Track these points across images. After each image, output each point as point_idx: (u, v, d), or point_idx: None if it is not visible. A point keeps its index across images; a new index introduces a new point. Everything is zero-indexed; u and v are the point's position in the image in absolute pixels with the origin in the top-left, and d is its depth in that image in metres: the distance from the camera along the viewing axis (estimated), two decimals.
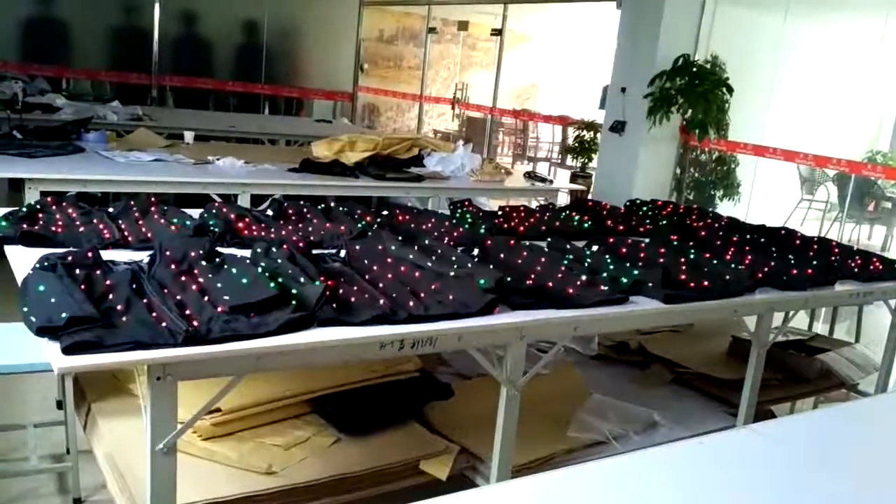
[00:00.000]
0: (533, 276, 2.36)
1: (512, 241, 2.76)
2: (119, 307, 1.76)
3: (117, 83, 8.35)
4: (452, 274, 2.23)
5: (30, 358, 2.22)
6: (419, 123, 12.12)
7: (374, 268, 2.31)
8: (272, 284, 1.89)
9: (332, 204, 3.20)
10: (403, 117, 13.52)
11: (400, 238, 2.55)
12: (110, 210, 2.70)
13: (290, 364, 1.83)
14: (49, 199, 2.68)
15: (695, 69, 6.69)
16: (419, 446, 2.30)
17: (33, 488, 2.44)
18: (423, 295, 2.10)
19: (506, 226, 3.20)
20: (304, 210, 3.04)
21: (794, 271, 2.77)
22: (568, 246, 2.75)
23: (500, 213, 3.52)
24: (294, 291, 1.93)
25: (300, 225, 2.88)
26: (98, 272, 1.95)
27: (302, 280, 2.02)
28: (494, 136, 11.40)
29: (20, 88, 6.40)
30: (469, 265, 2.32)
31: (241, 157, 4.42)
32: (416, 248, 2.48)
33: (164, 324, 1.69)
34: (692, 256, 2.78)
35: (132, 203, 2.75)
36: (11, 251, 2.21)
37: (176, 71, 8.60)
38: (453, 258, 2.40)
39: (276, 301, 1.85)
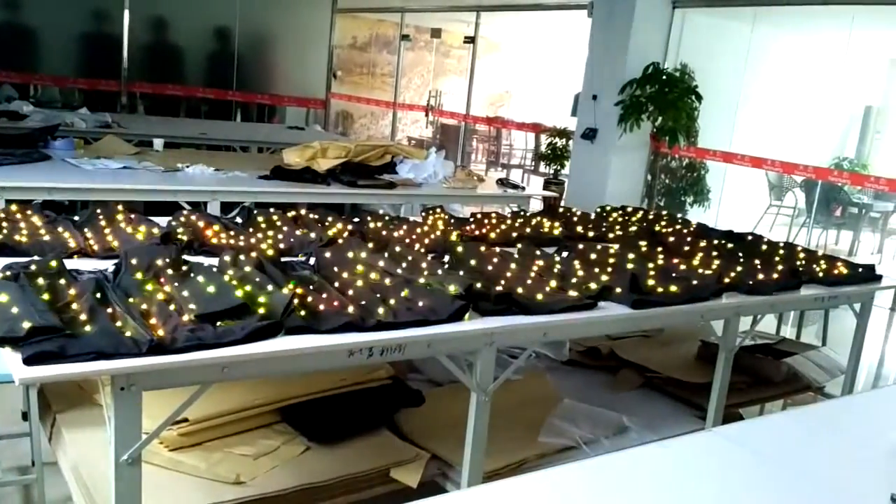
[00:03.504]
0: (502, 282, 2.37)
1: (483, 248, 2.78)
2: (82, 317, 1.73)
3: (86, 90, 8.25)
4: (423, 281, 2.24)
5: None
6: (393, 130, 12.13)
7: (344, 275, 2.31)
8: (239, 293, 1.88)
9: (303, 211, 3.19)
10: (377, 124, 13.52)
11: (370, 245, 2.54)
12: (76, 219, 2.67)
13: (256, 373, 1.82)
14: (13, 207, 2.63)
15: (665, 77, 6.78)
16: (390, 454, 2.29)
17: None
18: (392, 302, 2.10)
19: (477, 232, 3.21)
20: (274, 217, 3.03)
21: (761, 276, 2.81)
22: (538, 252, 2.77)
23: (471, 219, 3.54)
24: (262, 300, 1.92)
25: (269, 232, 2.86)
26: (62, 281, 1.93)
27: (270, 288, 2.01)
28: (468, 142, 11.45)
29: None
30: (439, 272, 2.32)
31: (212, 164, 4.39)
32: (386, 255, 2.48)
33: (127, 333, 1.67)
34: (660, 262, 2.81)
35: (98, 211, 2.72)
36: None
37: (146, 77, 8.52)
38: (423, 265, 2.41)
39: (243, 310, 1.84)
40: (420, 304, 2.08)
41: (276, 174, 4.42)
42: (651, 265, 2.72)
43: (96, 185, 3.58)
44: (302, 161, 4.86)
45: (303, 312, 1.92)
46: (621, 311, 2.31)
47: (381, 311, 2.02)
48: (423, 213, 3.57)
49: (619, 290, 2.39)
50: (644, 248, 2.97)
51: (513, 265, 2.56)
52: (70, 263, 2.09)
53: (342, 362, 1.90)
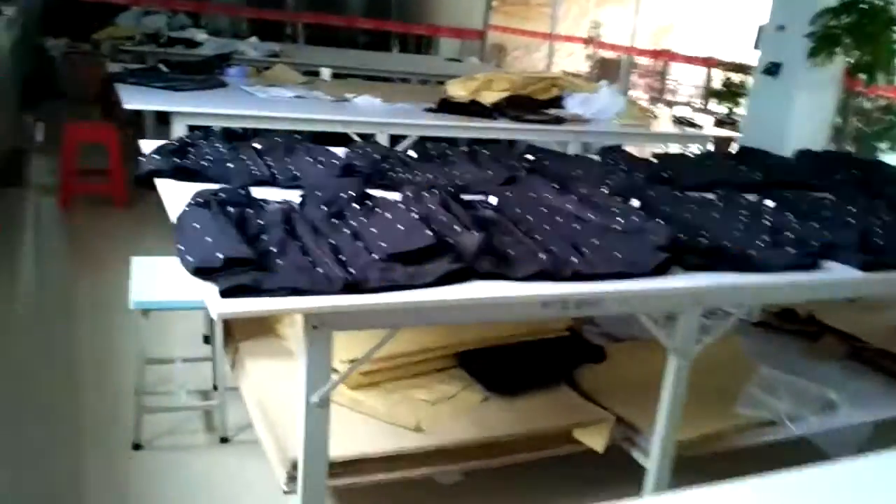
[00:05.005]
0: (704, 233, 2.11)
1: (676, 192, 2.52)
2: (273, 249, 1.67)
3: (253, 19, 8.44)
4: (619, 228, 2.03)
5: (182, 294, 2.21)
6: (549, 63, 11.67)
7: (529, 217, 2.14)
8: (428, 231, 1.75)
9: (475, 147, 3.03)
10: (531, 57, 13.07)
11: (554, 185, 2.35)
12: (257, 146, 2.64)
13: (448, 319, 1.71)
14: (198, 132, 2.65)
15: (864, 6, 5.99)
16: (572, 412, 2.14)
17: (180, 424, 2.48)
18: (585, 250, 1.91)
19: (664, 175, 2.92)
20: (448, 153, 2.89)
21: None
22: (742, 200, 2.47)
23: (656, 160, 3.25)
24: (450, 240, 1.79)
25: (445, 168, 2.73)
26: (251, 210, 1.88)
27: (457, 228, 1.87)
28: (628, 77, 10.83)
29: (164, 23, 6.56)
30: (634, 218, 2.10)
31: (377, 95, 4.31)
32: (573, 197, 2.28)
33: (319, 269, 1.59)
34: (887, 218, 2.43)
35: (278, 139, 2.69)
36: (164, 185, 2.18)
37: (309, 7, 8.59)
38: (616, 210, 2.19)
39: (433, 250, 1.71)
40: (617, 253, 1.88)
41: (443, 107, 4.29)
42: (878, 220, 2.35)
43: (272, 113, 3.59)
44: (467, 94, 4.69)
45: (492, 256, 1.77)
46: (849, 274, 2.00)
47: (574, 259, 1.84)
48: (601, 152, 3.32)
49: (845, 247, 2.07)
50: (865, 201, 2.59)
51: (714, 214, 2.29)
52: (255, 192, 2.05)
53: (535, 313, 1.76)
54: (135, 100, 3.45)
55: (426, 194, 2.13)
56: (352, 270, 1.61)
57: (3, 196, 4.57)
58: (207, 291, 1.47)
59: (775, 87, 6.41)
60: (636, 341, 2.46)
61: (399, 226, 1.79)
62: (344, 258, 1.68)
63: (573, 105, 4.81)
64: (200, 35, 6.39)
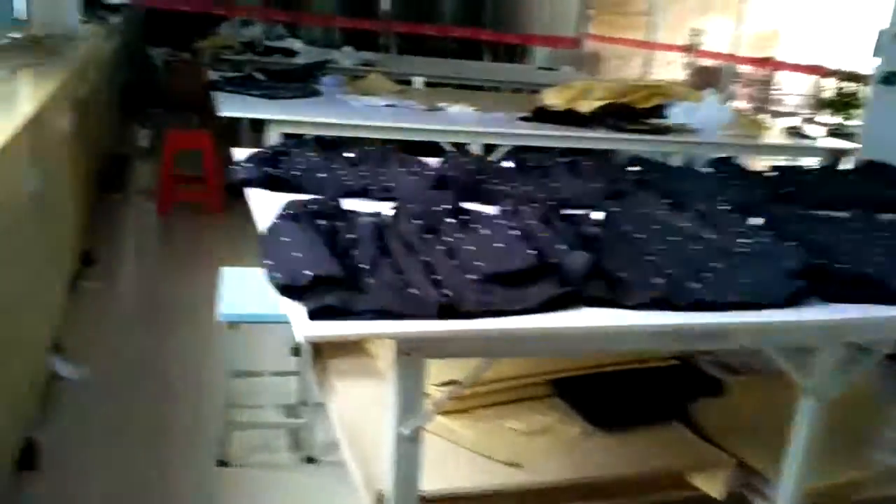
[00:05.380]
0: (842, 257, 1.87)
1: (801, 211, 2.28)
2: (364, 266, 1.56)
3: (346, 29, 8.52)
4: (744, 250, 1.82)
5: (270, 308, 2.14)
6: (645, 72, 11.31)
7: (640, 236, 1.95)
8: (530, 251, 1.60)
9: (576, 157, 2.86)
10: (627, 66, 12.72)
11: (667, 200, 2.15)
12: (350, 155, 2.56)
13: (551, 350, 1.56)
14: (290, 140, 2.59)
15: None
16: (686, 453, 1.94)
17: (267, 441, 2.42)
18: (706, 275, 1.71)
19: (786, 190, 2.67)
20: (547, 163, 2.73)
21: None
22: (880, 220, 2.20)
23: (774, 173, 2.98)
24: (554, 261, 1.63)
25: (543, 180, 2.57)
26: (342, 223, 1.78)
27: (561, 247, 1.71)
28: (728, 87, 10.35)
29: (261, 33, 6.67)
30: (764, 240, 1.89)
31: (470, 104, 4.20)
32: (687, 213, 2.08)
33: (412, 290, 1.46)
34: None
35: (371, 149, 2.60)
36: (254, 195, 2.12)
37: (402, 17, 8.61)
38: (739, 229, 1.98)
39: (536, 272, 1.56)
40: (744, 279, 1.68)
41: (538, 116, 4.13)
42: None
43: (366, 121, 3.53)
44: (563, 102, 4.51)
45: (601, 280, 1.60)
46: None
47: (694, 285, 1.65)
48: (711, 164, 3.08)
49: None
50: None
51: (850, 235, 2.04)
52: (346, 204, 1.95)
53: (648, 344, 1.57)
54: (230, 108, 3.45)
55: (526, 208, 1.98)
56: (446, 292, 1.48)
57: (105, 201, 4.71)
58: (294, 311, 1.37)
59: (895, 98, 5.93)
60: (758, 374, 2.23)
61: (498, 244, 1.65)
62: (438, 278, 1.55)
63: (677, 115, 4.55)
64: (296, 44, 6.46)
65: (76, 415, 2.48)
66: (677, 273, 1.70)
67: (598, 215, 2.13)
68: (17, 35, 4.35)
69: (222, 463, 2.28)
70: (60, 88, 2.99)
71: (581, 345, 1.55)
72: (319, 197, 1.90)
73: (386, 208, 1.97)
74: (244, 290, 2.27)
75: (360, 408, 2.00)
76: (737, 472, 1.89)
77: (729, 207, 2.24)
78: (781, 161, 4.66)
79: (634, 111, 4.53)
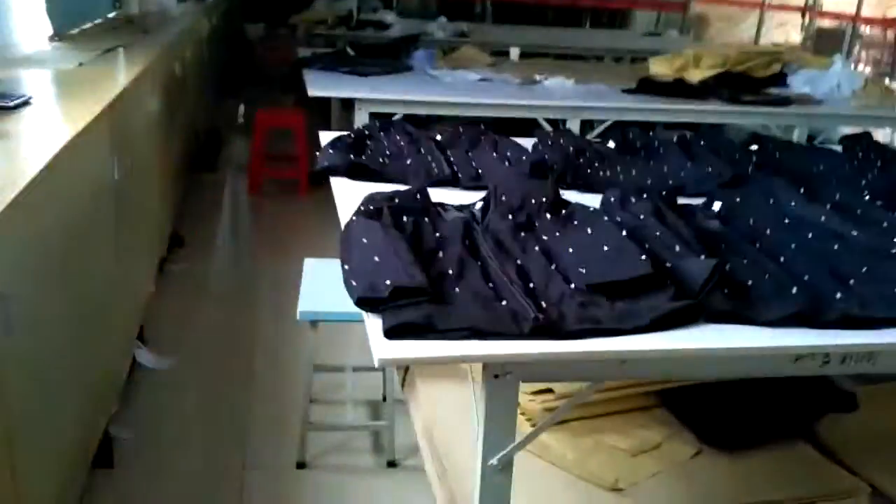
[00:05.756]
0: None
1: None
2: (450, 271, 1.39)
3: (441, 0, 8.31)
4: (894, 252, 1.54)
5: (351, 305, 2.01)
6: (757, 35, 10.55)
7: (768, 232, 1.70)
8: (643, 257, 1.38)
9: (687, 134, 2.57)
10: (736, 28, 11.92)
11: (801, 190, 1.87)
12: (437, 138, 2.38)
13: (662, 372, 1.34)
14: (377, 122, 2.43)
15: None
16: (814, 478, 1.69)
17: (347, 441, 2.31)
18: (853, 282, 1.45)
19: None
20: (655, 143, 2.47)
21: None
22: None
23: None
24: (669, 265, 1.41)
25: (651, 163, 2.32)
26: (427, 220, 1.61)
27: (677, 249, 1.49)
28: (852, 50, 9.52)
29: (355, 5, 6.56)
30: None
31: (568, 75, 3.94)
32: (826, 205, 1.80)
33: (504, 301, 1.28)
34: None
35: (461, 130, 2.41)
36: (338, 184, 1.98)
37: None
38: (888, 224, 1.69)
39: (650, 281, 1.34)
40: None
41: (643, 87, 3.83)
42: None
43: (456, 98, 3.35)
44: (671, 72, 4.19)
45: (726, 289, 1.37)
46: None
47: (839, 294, 1.39)
48: (845, 142, 2.72)
49: None
50: None
51: None
52: (434, 194, 1.77)
53: (783, 369, 1.33)
54: (319, 86, 3.34)
55: (633, 199, 1.75)
56: (543, 303, 1.29)
57: (198, 180, 4.74)
58: (372, 329, 1.21)
59: None
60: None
61: (604, 245, 1.44)
62: (533, 285, 1.36)
63: (799, 83, 4.15)
64: (389, 17, 6.32)
65: (155, 407, 2.44)
66: (819, 281, 1.45)
67: (717, 206, 1.88)
68: (112, 14, 4.38)
69: (301, 465, 2.19)
70: (149, 69, 2.94)
71: (702, 370, 1.33)
72: (403, 189, 1.73)
73: (476, 198, 1.79)
74: (327, 284, 2.15)
75: (443, 415, 1.85)
76: (872, 500, 1.63)
77: (872, 197, 1.94)
78: None
79: (752, 80, 4.16)
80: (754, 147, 2.58)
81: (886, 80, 8.94)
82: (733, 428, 1.83)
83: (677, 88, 3.85)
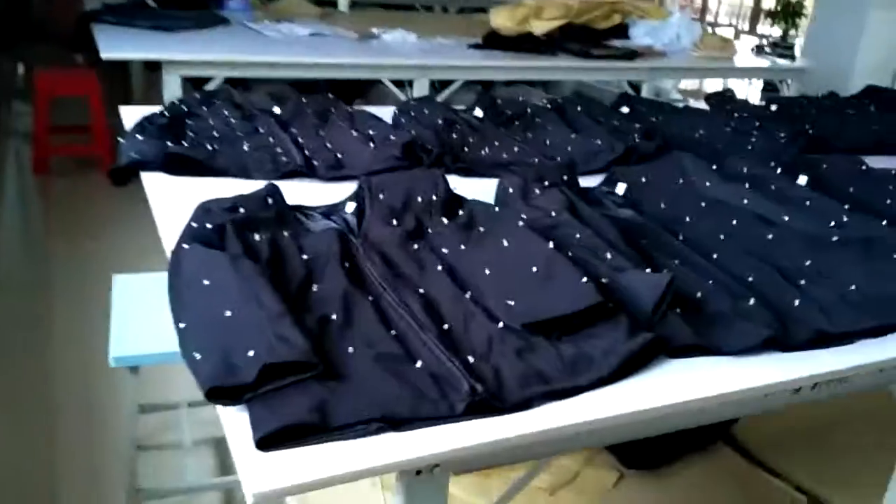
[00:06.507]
0: None
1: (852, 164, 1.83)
2: (334, 315, 1.01)
3: None
4: (836, 237, 1.35)
5: None
6: None
7: (687, 218, 1.46)
8: (585, 280, 1.07)
9: (561, 100, 2.31)
10: None
11: (714, 166, 1.65)
12: (277, 111, 1.94)
13: (625, 435, 1.05)
14: (198, 96, 1.94)
15: None
16: (744, 485, 1.51)
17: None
18: (803, 282, 1.24)
19: (812, 133, 2.21)
20: (528, 110, 2.18)
21: None
22: None
23: (775, 107, 2.53)
24: (605, 280, 1.12)
25: (528, 134, 2.03)
26: (286, 234, 1.21)
27: (608, 256, 1.20)
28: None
29: None
30: (856, 219, 1.42)
31: (410, 29, 3.56)
32: (743, 183, 1.59)
33: (419, 362, 0.93)
34: None
35: (304, 101, 1.98)
36: (153, 183, 1.50)
37: None
38: (810, 201, 1.51)
39: (597, 312, 1.04)
40: (855, 287, 1.21)
41: (490, 42, 3.54)
42: None
43: (287, 58, 2.86)
44: (513, 25, 3.92)
45: (678, 309, 1.10)
46: None
47: (797, 302, 1.17)
48: (711, 100, 2.60)
49: None
50: None
51: None
52: (285, 189, 1.36)
53: (749, 408, 1.09)
54: (114, 46, 2.72)
55: (536, 189, 1.45)
56: (470, 357, 0.95)
57: None
58: (232, 431, 0.82)
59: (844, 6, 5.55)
60: None
61: (531, 265, 1.11)
62: (448, 326, 1.01)
63: (639, 35, 4.06)
64: None
65: None
66: (767, 284, 1.23)
67: (620, 188, 1.63)
68: None
69: None
70: None
71: (672, 423, 1.06)
72: (246, 191, 1.30)
73: (338, 192, 1.41)
74: (146, 309, 1.67)
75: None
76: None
77: (774, 166, 1.77)
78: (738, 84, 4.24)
79: (594, 31, 4.00)
80: (625, 110, 2.38)
81: None
82: (653, 445, 1.61)
83: (523, 42, 3.60)
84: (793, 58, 4.14)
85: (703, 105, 2.63)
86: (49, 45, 6.25)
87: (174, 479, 1.83)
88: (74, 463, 1.91)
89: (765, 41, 4.84)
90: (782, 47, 7.02)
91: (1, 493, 1.83)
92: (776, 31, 7.45)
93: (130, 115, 1.82)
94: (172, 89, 2.73)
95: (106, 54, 2.62)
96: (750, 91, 5.42)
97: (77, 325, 2.47)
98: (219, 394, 0.83)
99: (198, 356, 0.88)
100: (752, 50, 4.27)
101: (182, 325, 0.95)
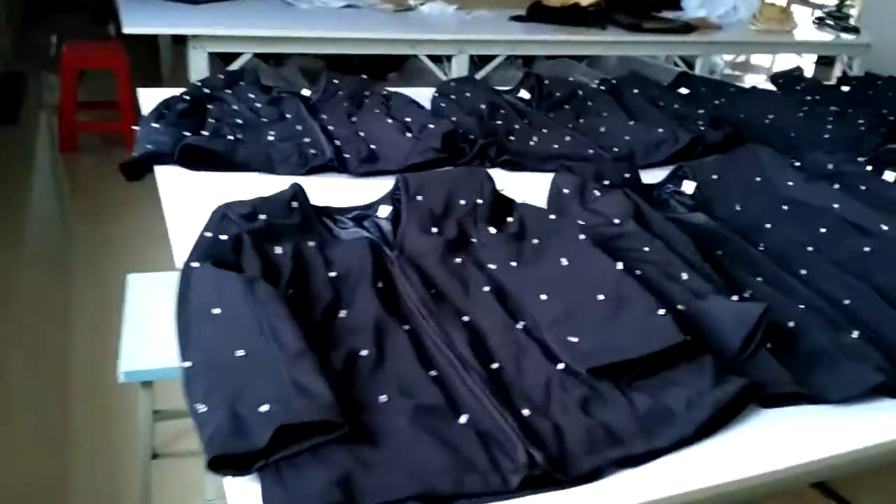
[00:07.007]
0: None
1: None
2: (364, 351, 0.86)
3: None
4: None
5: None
6: None
7: (767, 225, 1.28)
8: (662, 309, 0.90)
9: (613, 81, 2.11)
10: None
11: (797, 162, 1.46)
12: (306, 93, 1.78)
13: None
14: (222, 77, 1.78)
15: None
16: None
17: None
18: None
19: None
20: (579, 92, 1.99)
21: None
22: None
23: (847, 87, 2.30)
24: (682, 307, 0.95)
25: (580, 120, 1.85)
26: (312, 244, 1.05)
27: (684, 277, 1.02)
28: None
29: None
30: None
31: (449, 1, 3.37)
32: (832, 183, 1.39)
33: (464, 416, 0.77)
34: None
35: (336, 82, 1.81)
36: (165, 178, 1.36)
37: None
38: None
39: (677, 350, 0.87)
40: None
41: (534, 13, 3.33)
42: None
43: (318, 32, 2.68)
44: None
45: (769, 344, 0.93)
46: None
47: None
48: (780, 80, 2.37)
49: None
50: None
51: None
52: (311, 185, 1.20)
53: (865, 465, 0.92)
54: (138, 20, 2.58)
55: (595, 190, 1.27)
56: (524, 410, 0.79)
57: None
58: (235, 492, 0.67)
59: None
60: None
61: (596, 292, 0.95)
62: (498, 365, 0.86)
63: (692, 6, 3.80)
64: None
65: None
66: (868, 309, 1.05)
67: (688, 186, 1.44)
68: None
69: None
70: None
71: (778, 487, 0.89)
72: (268, 193, 1.15)
73: (371, 189, 1.25)
74: (160, 315, 1.53)
75: None
76: None
77: (864, 161, 1.56)
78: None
79: (644, 2, 3.76)
80: (684, 91, 2.17)
81: None
82: None
83: (571, 14, 3.38)
84: (856, 31, 3.83)
85: (768, 85, 2.41)
86: (85, 17, 6.15)
87: (190, 488, 1.72)
88: (88, 471, 1.81)
89: (818, 11, 4.53)
90: (838, 18, 6.63)
91: (13, 500, 1.74)
92: (831, 0, 7.04)
93: (150, 98, 1.68)
94: (199, 65, 2.58)
95: (128, 28, 2.48)
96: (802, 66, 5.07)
97: (91, 322, 2.36)
98: (224, 463, 0.68)
99: (201, 409, 0.74)
100: (814, 22, 3.97)
101: (187, 365, 0.81)
